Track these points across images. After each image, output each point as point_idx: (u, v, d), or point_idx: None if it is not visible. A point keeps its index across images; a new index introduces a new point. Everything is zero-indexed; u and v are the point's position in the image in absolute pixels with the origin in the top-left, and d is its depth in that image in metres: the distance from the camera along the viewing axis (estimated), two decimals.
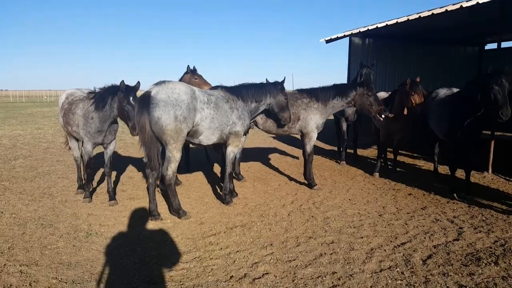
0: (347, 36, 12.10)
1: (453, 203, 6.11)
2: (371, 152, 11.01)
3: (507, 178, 7.70)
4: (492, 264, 3.90)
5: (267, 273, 3.78)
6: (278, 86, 6.26)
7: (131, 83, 5.50)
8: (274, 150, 11.39)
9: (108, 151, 6.11)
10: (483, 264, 3.92)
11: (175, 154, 5.17)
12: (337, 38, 12.11)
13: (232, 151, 5.96)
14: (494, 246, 4.39)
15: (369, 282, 3.59)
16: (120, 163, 8.96)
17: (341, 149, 9.60)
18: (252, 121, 6.78)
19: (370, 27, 10.55)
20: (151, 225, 5.18)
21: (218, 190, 6.93)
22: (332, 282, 3.60)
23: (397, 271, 3.81)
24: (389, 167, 8.60)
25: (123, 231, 4.99)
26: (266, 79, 6.57)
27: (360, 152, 10.70)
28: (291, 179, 7.91)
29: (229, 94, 5.86)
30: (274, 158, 10.19)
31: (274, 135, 7.79)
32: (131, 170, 8.53)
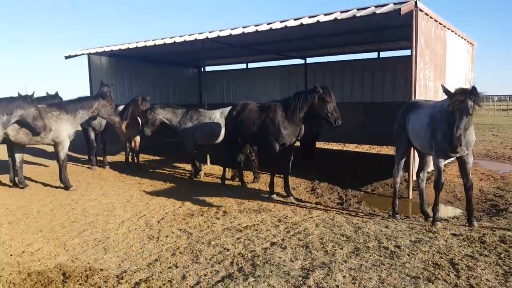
0: (85, 54, 13.03)
1: (183, 188, 8.56)
2: (120, 158, 12.58)
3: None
4: (200, 216, 6.34)
5: (41, 248, 4.85)
6: (27, 99, 6.99)
7: None
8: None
9: None
10: (195, 216, 6.30)
11: None
12: (76, 55, 12.87)
13: None
14: (205, 208, 6.90)
15: (121, 238, 5.29)
16: None
17: (92, 157, 10.79)
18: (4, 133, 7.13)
19: (106, 49, 11.96)
20: None
21: None
22: (95, 243, 5.07)
23: (141, 229, 5.67)
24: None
25: None
26: (19, 92, 7.13)
27: (110, 158, 12.11)
28: (46, 184, 8.54)
29: None
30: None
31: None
32: None
